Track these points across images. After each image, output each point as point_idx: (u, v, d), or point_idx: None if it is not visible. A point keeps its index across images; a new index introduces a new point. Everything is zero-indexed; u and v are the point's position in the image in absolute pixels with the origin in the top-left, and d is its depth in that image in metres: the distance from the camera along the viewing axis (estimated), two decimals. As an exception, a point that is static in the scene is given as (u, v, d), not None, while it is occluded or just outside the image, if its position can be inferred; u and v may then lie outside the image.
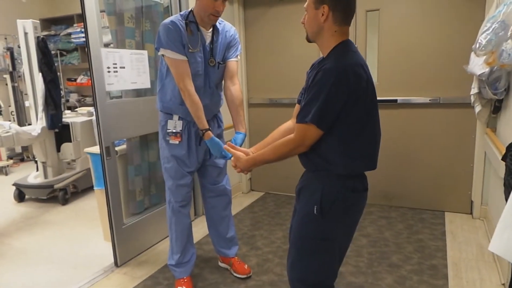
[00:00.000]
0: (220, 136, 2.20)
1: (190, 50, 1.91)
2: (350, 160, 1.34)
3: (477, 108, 2.72)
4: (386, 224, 3.00)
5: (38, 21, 3.68)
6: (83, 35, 4.80)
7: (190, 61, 1.92)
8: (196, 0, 1.90)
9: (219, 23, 2.03)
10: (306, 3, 1.37)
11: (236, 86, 2.09)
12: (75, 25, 5.43)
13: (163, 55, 1.93)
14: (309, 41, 1.43)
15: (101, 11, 2.36)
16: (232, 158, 1.54)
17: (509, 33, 1.96)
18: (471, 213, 3.11)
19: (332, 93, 1.25)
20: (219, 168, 2.24)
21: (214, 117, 2.18)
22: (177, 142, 2.06)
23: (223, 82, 2.13)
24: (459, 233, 2.81)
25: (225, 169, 2.29)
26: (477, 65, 2.40)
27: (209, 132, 1.96)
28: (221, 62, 2.05)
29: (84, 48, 5.33)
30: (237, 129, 2.08)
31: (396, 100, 3.19)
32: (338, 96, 1.25)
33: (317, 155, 1.36)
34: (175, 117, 2.05)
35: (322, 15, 1.31)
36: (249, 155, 1.52)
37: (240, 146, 1.95)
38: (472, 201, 3.09)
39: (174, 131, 2.05)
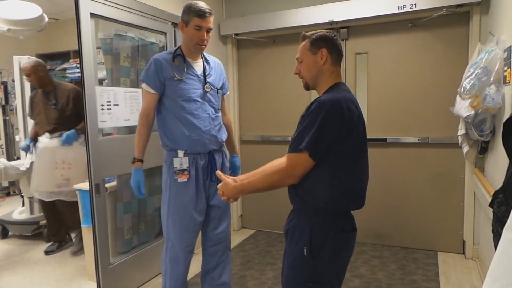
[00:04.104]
0: (224, 171, 2.15)
1: (175, 79, 2.01)
2: (337, 195, 1.34)
3: (465, 149, 2.78)
4: (379, 264, 2.95)
5: (34, 57, 3.73)
6: (78, 70, 4.87)
7: (179, 86, 2.01)
8: (182, 34, 2.03)
9: (208, 56, 2.17)
10: (299, 53, 1.48)
11: (227, 116, 2.33)
12: (71, 60, 5.51)
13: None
14: (307, 88, 1.50)
15: (97, 48, 2.42)
16: (219, 185, 1.46)
17: (491, 79, 2.04)
18: (463, 253, 3.08)
19: (326, 122, 1.28)
20: (220, 210, 2.16)
21: (220, 151, 2.15)
22: (186, 179, 2.03)
23: None
24: (452, 274, 2.78)
25: (228, 213, 2.23)
26: (463, 107, 2.48)
27: (139, 163, 2.05)
28: (220, 89, 2.15)
29: (78, 83, 5.38)
30: (232, 152, 2.35)
31: (385, 139, 3.25)
32: (332, 125, 1.29)
33: (303, 189, 1.37)
34: (180, 153, 2.03)
35: (321, 58, 1.42)
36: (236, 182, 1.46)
37: (239, 167, 2.33)
38: (464, 241, 3.07)
39: (181, 168, 2.02)
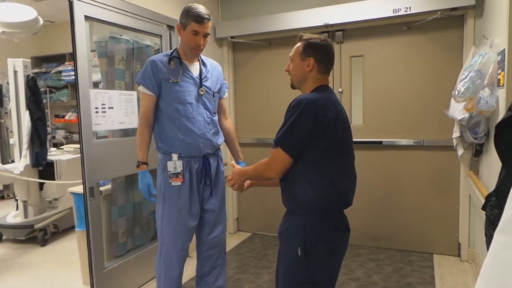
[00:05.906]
0: (219, 175, 2.15)
1: (171, 81, 2.01)
2: (324, 193, 1.37)
3: (460, 151, 2.78)
4: (375, 267, 2.95)
5: (29, 60, 3.72)
6: (73, 73, 4.85)
7: (174, 89, 2.01)
8: (180, 36, 2.04)
9: (206, 59, 2.16)
10: (292, 53, 1.50)
11: (229, 120, 2.30)
12: (66, 63, 5.50)
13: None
14: (293, 87, 1.56)
15: (92, 51, 2.41)
16: (229, 176, 1.66)
17: (485, 82, 2.06)
18: (459, 256, 3.09)
19: (298, 118, 1.34)
20: (215, 214, 2.14)
21: (215, 154, 2.14)
22: (180, 183, 2.02)
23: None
24: (447, 277, 2.78)
25: (222, 217, 2.20)
26: (458, 110, 2.49)
27: (145, 165, 2.04)
28: (216, 92, 2.14)
29: (74, 86, 5.36)
30: (237, 159, 2.25)
31: (381, 142, 3.25)
32: (304, 120, 1.33)
33: (294, 188, 1.41)
34: (174, 156, 2.02)
35: (308, 66, 1.46)
36: None
37: None
38: (459, 244, 3.08)
39: (175, 172, 2.01)
